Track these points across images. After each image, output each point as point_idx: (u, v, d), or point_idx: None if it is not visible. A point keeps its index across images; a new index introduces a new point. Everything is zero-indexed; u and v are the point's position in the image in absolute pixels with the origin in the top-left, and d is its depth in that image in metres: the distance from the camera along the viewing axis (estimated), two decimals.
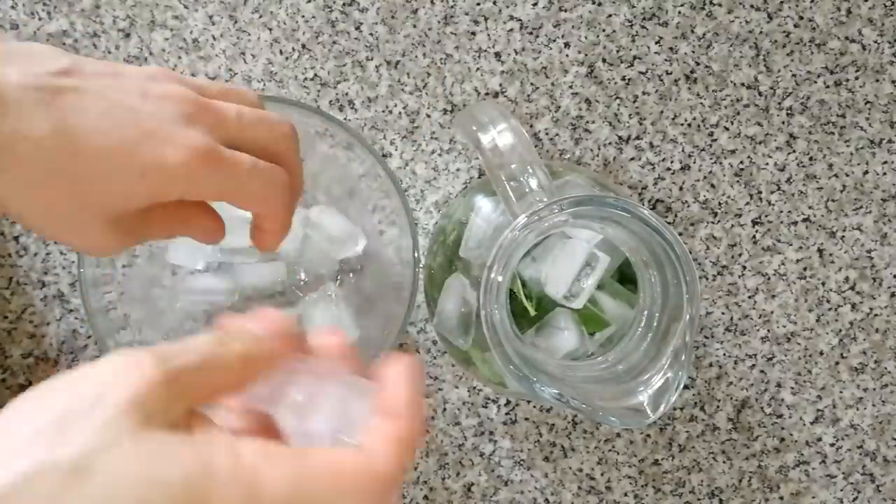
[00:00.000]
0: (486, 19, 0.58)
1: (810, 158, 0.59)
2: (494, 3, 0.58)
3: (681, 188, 0.58)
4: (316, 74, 0.57)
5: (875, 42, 0.59)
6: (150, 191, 0.37)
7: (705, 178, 0.58)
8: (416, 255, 0.50)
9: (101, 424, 0.25)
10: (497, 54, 0.58)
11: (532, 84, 0.58)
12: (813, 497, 0.59)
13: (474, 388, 0.58)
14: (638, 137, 0.58)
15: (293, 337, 0.31)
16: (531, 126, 0.58)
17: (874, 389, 0.59)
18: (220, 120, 0.38)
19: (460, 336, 0.50)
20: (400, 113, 0.58)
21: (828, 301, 0.59)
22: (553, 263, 0.48)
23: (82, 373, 0.27)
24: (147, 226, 0.39)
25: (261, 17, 0.57)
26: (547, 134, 0.58)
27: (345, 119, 0.57)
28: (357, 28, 0.57)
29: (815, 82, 0.59)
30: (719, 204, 0.59)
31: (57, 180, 0.35)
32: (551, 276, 0.48)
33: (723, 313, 0.59)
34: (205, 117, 0.38)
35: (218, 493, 0.26)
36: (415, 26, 0.57)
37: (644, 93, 0.58)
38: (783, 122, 0.59)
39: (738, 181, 0.59)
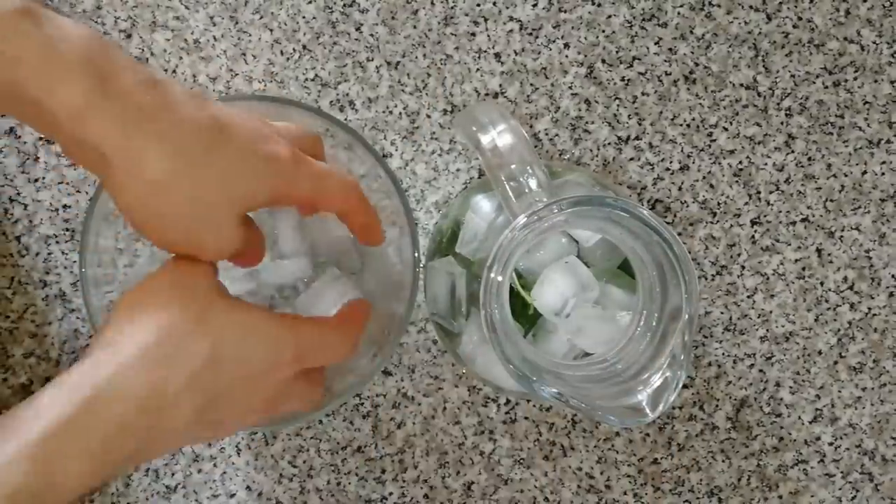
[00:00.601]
0: (485, 20, 0.58)
1: (809, 159, 0.59)
2: (494, 3, 0.58)
3: (680, 188, 0.59)
4: (317, 75, 0.58)
5: (874, 43, 0.59)
6: (270, 184, 0.41)
7: (704, 178, 0.59)
8: (416, 254, 0.50)
9: (203, 294, 0.40)
10: (497, 55, 0.58)
11: (532, 85, 0.58)
12: (812, 496, 0.59)
13: (474, 387, 0.58)
14: (637, 138, 0.58)
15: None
16: (531, 126, 0.58)
17: (872, 389, 0.59)
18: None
19: (451, 318, 0.50)
20: (400, 113, 0.58)
21: (826, 301, 0.59)
22: (543, 283, 0.47)
23: (173, 271, 0.41)
24: (247, 232, 0.43)
25: (261, 17, 0.57)
26: (546, 134, 0.58)
27: (345, 119, 0.58)
28: (357, 29, 0.58)
29: (814, 83, 0.59)
30: (718, 204, 0.59)
31: (211, 162, 0.38)
32: (543, 296, 0.48)
33: (722, 313, 0.59)
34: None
35: (281, 328, 0.41)
36: (415, 27, 0.58)
37: (643, 93, 0.58)
38: (782, 123, 0.59)
39: (736, 181, 0.59)
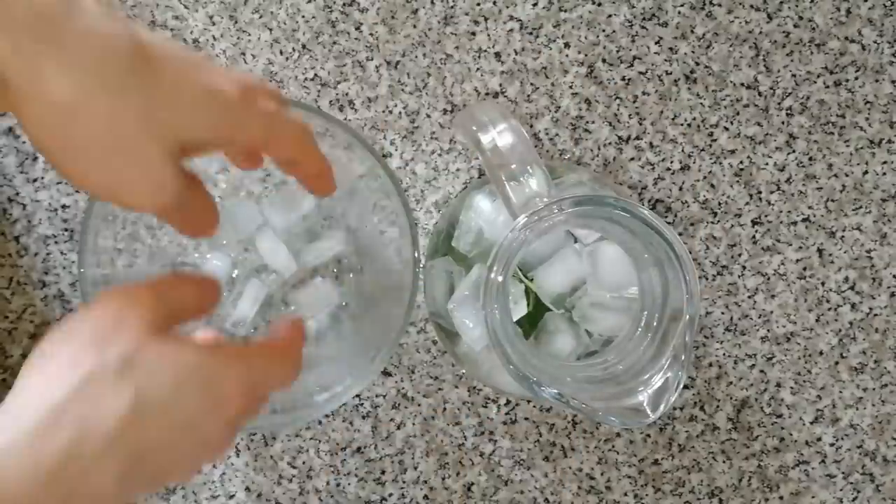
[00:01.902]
0: (486, 19, 0.58)
1: (810, 158, 0.59)
2: (494, 3, 0.58)
3: (680, 188, 0.59)
4: (316, 74, 0.57)
5: (875, 42, 0.59)
6: (211, 121, 0.35)
7: (705, 178, 0.59)
8: (416, 255, 0.50)
9: (129, 336, 0.34)
10: (497, 54, 0.58)
11: (532, 84, 0.58)
12: (812, 497, 0.59)
13: (474, 387, 0.58)
14: (638, 137, 0.58)
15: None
16: (531, 126, 0.58)
17: (874, 389, 0.59)
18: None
19: (450, 318, 0.50)
20: (400, 113, 0.58)
21: (827, 301, 0.59)
22: (547, 270, 0.48)
23: (98, 309, 0.35)
24: (185, 180, 0.38)
25: (261, 17, 0.57)
26: (547, 134, 0.58)
27: (345, 119, 0.57)
28: (357, 28, 0.57)
29: (815, 82, 0.59)
30: (719, 204, 0.59)
31: (132, 86, 0.33)
32: (544, 284, 0.48)
33: (722, 313, 0.59)
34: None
35: (223, 366, 0.36)
36: (415, 26, 0.57)
37: (644, 93, 0.58)
38: (783, 123, 0.59)
39: (737, 181, 0.59)
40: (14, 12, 0.31)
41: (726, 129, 0.58)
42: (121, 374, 0.33)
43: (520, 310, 0.49)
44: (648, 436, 0.58)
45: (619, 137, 0.58)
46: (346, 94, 0.57)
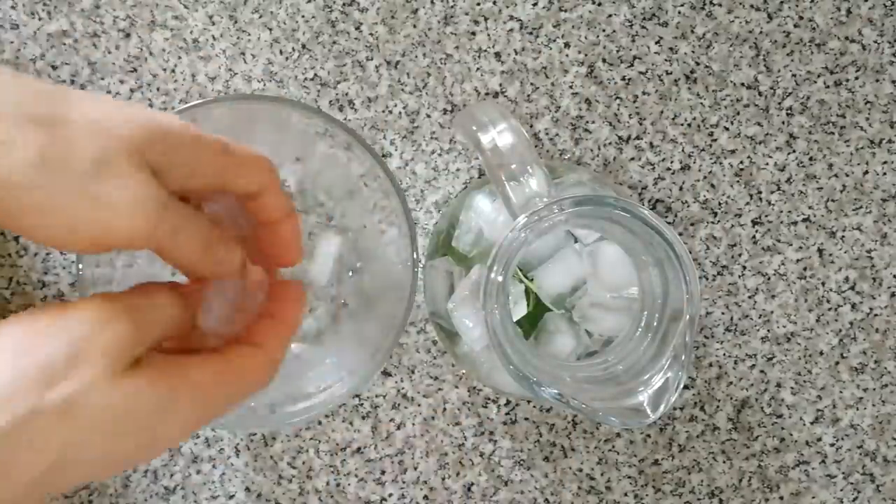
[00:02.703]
0: (486, 19, 0.58)
1: (810, 158, 0.59)
2: (494, 3, 0.58)
3: (681, 188, 0.58)
4: (316, 74, 0.57)
5: (875, 42, 0.59)
6: (160, 132, 0.34)
7: (705, 178, 0.58)
8: (414, 255, 0.50)
9: (82, 374, 0.31)
10: (497, 54, 0.58)
11: (532, 84, 0.58)
12: (813, 497, 0.59)
13: (474, 388, 0.58)
14: (638, 137, 0.58)
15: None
16: (531, 126, 0.58)
17: (874, 389, 0.59)
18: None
19: (450, 317, 0.50)
20: (400, 113, 0.58)
21: (828, 301, 0.59)
22: (547, 270, 0.48)
23: (62, 320, 0.32)
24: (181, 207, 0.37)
25: (261, 17, 0.57)
26: (547, 134, 0.58)
27: (345, 119, 0.57)
28: (357, 28, 0.57)
29: (815, 82, 0.59)
30: (719, 204, 0.59)
31: (67, 111, 0.33)
32: (544, 284, 0.48)
33: (723, 313, 0.59)
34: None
35: (177, 410, 0.34)
36: (415, 26, 0.57)
37: (644, 93, 0.58)
38: (783, 122, 0.59)
39: (738, 181, 0.59)
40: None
41: (726, 128, 0.58)
42: (60, 418, 0.31)
43: (520, 310, 0.49)
44: (648, 436, 0.58)
45: (620, 137, 0.58)
46: (346, 94, 0.57)
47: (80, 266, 0.48)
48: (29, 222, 0.32)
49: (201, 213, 0.37)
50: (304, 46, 0.57)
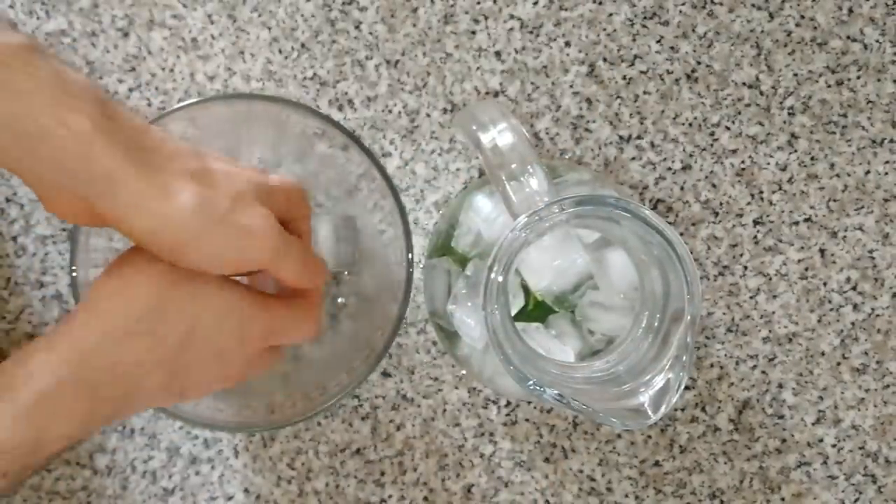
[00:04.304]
0: (486, 18, 0.57)
1: (812, 158, 0.59)
2: (495, 1, 0.57)
3: (682, 188, 0.58)
4: (315, 73, 0.57)
5: (877, 41, 0.58)
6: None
7: (706, 177, 0.58)
8: (409, 255, 0.50)
9: (193, 274, 0.42)
10: (497, 53, 0.58)
11: (532, 83, 0.58)
12: (814, 498, 0.59)
13: (474, 388, 0.58)
14: (639, 137, 0.58)
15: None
16: (532, 125, 0.58)
17: (876, 390, 0.59)
18: None
19: (449, 318, 0.50)
20: (400, 112, 0.57)
21: (829, 301, 0.59)
22: (547, 270, 0.47)
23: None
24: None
25: (260, 16, 0.57)
26: (547, 133, 0.58)
27: (344, 118, 0.57)
28: (356, 27, 0.57)
29: (817, 82, 0.58)
30: (720, 204, 0.58)
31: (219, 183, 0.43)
32: (544, 283, 0.47)
33: (724, 314, 0.58)
34: None
35: (254, 310, 0.45)
36: (414, 25, 0.57)
37: (645, 92, 0.58)
38: (784, 122, 0.58)
39: (739, 181, 0.58)
40: (129, 133, 0.39)
41: (728, 128, 0.58)
42: (183, 304, 0.41)
43: (517, 304, 0.49)
44: (649, 437, 0.58)
45: (620, 137, 0.58)
46: (346, 94, 0.57)
47: (74, 268, 0.48)
48: (190, 254, 0.40)
49: (299, 239, 0.46)
50: (303, 45, 0.57)
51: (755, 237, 0.58)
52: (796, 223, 0.59)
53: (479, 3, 0.57)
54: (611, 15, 0.58)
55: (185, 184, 0.39)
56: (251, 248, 0.41)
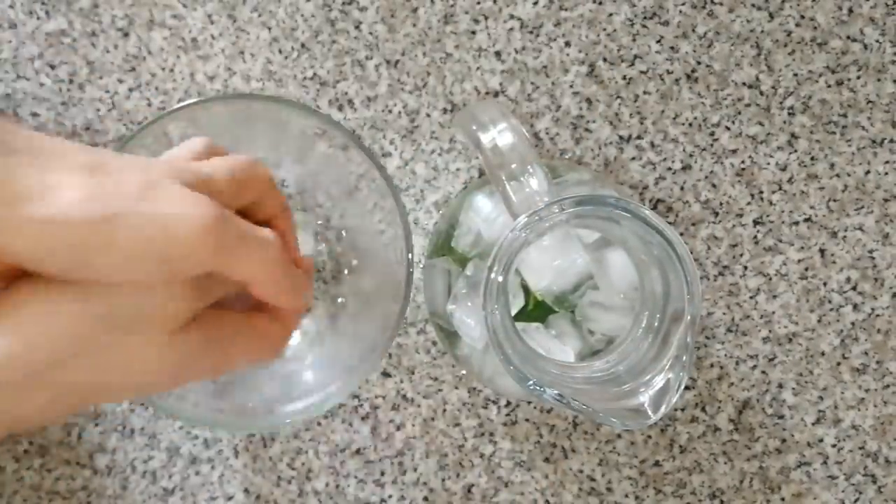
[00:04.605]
0: (486, 18, 0.57)
1: (812, 158, 0.59)
2: (495, 1, 0.57)
3: (682, 188, 0.58)
4: (315, 73, 0.57)
5: (877, 41, 0.58)
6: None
7: (706, 177, 0.58)
8: (409, 256, 0.50)
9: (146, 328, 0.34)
10: (497, 53, 0.57)
11: (532, 83, 0.58)
12: (814, 498, 0.59)
13: (474, 388, 0.58)
14: (639, 137, 0.58)
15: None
16: (532, 125, 0.58)
17: (876, 390, 0.59)
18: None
19: (449, 318, 0.50)
20: (400, 112, 0.57)
21: (829, 301, 0.59)
22: (547, 270, 0.47)
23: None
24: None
25: (260, 16, 0.57)
26: (547, 133, 0.58)
27: (344, 118, 0.57)
28: (356, 27, 0.57)
29: (817, 82, 0.58)
30: (720, 204, 0.58)
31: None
32: (544, 283, 0.47)
33: (724, 314, 0.58)
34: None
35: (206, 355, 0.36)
36: (414, 25, 0.57)
37: (645, 92, 0.58)
38: (784, 122, 0.58)
39: (739, 181, 0.58)
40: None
41: (728, 128, 0.58)
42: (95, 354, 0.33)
43: (517, 304, 0.49)
44: (649, 437, 0.58)
45: (620, 137, 0.58)
46: (346, 94, 0.57)
47: None
48: (95, 260, 0.31)
49: (277, 238, 0.37)
50: (303, 45, 0.57)
51: (755, 237, 0.58)
52: (796, 223, 0.59)
53: (479, 3, 0.57)
54: (611, 15, 0.58)
55: (69, 178, 0.31)
56: (179, 242, 0.32)
